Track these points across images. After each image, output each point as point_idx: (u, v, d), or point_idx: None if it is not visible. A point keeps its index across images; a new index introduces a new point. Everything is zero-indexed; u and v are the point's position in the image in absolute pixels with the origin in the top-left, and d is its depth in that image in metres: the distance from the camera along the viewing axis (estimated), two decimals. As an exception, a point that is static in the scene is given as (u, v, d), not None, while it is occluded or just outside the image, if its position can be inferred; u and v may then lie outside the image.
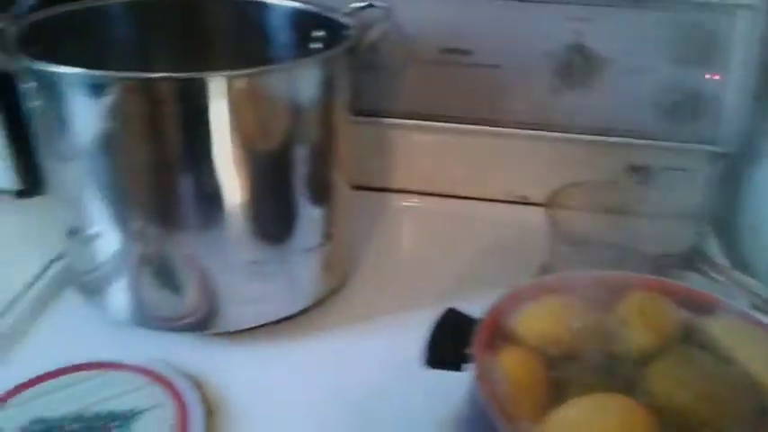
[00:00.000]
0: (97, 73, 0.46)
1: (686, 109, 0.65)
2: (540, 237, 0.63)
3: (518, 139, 0.71)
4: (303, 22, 0.60)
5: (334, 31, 0.58)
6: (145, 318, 0.56)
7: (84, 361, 0.53)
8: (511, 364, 0.41)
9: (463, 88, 0.69)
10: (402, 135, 0.73)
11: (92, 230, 0.53)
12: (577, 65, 0.65)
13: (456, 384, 0.43)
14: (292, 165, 0.52)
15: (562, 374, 0.41)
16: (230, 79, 0.47)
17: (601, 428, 0.37)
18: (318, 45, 0.61)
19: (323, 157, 0.55)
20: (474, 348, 0.41)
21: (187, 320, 0.55)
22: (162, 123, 0.48)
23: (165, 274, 0.53)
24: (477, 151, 0.73)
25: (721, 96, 0.65)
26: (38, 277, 0.62)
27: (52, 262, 0.64)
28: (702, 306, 0.46)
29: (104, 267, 0.55)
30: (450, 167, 0.75)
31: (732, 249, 0.68)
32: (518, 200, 0.75)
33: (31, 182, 0.72)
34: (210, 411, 0.49)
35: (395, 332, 0.57)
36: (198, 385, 0.51)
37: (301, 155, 0.52)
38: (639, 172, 0.72)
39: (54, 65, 0.46)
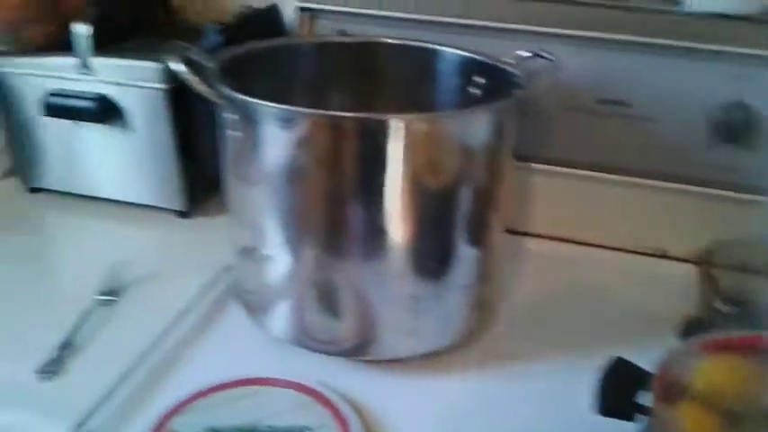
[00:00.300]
0: (290, 108, 0.51)
1: None
2: (681, 291, 0.63)
3: (664, 192, 0.71)
4: (467, 69, 0.63)
5: (495, 78, 0.61)
6: (303, 338, 0.59)
7: (248, 375, 0.56)
8: (690, 418, 0.42)
9: (616, 139, 0.70)
10: (548, 181, 0.74)
11: (264, 251, 0.57)
12: (736, 123, 0.65)
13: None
14: (457, 205, 0.54)
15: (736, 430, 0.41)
16: (409, 122, 0.50)
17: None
18: (477, 90, 0.64)
19: (486, 199, 0.57)
20: (652, 400, 0.42)
21: (344, 345, 0.58)
22: (341, 158, 0.51)
23: (328, 300, 0.56)
24: (623, 201, 0.74)
25: None
26: (203, 292, 0.67)
27: (215, 279, 0.68)
28: None
29: (271, 287, 0.59)
30: (596, 216, 0.75)
31: None
32: (658, 253, 0.75)
33: (192, 204, 0.79)
34: (369, 436, 0.52)
35: (543, 375, 0.59)
36: (357, 409, 0.54)
37: (466, 196, 0.55)
38: (791, 233, 0.70)
39: (252, 98, 0.51)
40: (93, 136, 0.76)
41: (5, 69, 0.76)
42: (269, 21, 0.78)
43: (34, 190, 0.83)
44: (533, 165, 0.74)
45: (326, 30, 0.75)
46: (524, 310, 0.67)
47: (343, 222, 0.53)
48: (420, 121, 0.51)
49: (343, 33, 0.72)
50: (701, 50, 0.66)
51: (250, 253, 0.59)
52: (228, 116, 0.54)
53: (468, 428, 0.53)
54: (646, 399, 0.44)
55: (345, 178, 0.52)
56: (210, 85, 0.53)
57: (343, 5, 0.73)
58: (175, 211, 0.79)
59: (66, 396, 0.55)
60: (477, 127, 0.53)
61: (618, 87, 0.69)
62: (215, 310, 0.65)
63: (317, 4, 0.74)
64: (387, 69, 0.66)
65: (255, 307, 0.61)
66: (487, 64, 0.62)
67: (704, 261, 0.61)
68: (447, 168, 0.53)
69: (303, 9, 0.75)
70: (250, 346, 0.61)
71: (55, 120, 0.76)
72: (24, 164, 0.81)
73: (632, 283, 0.72)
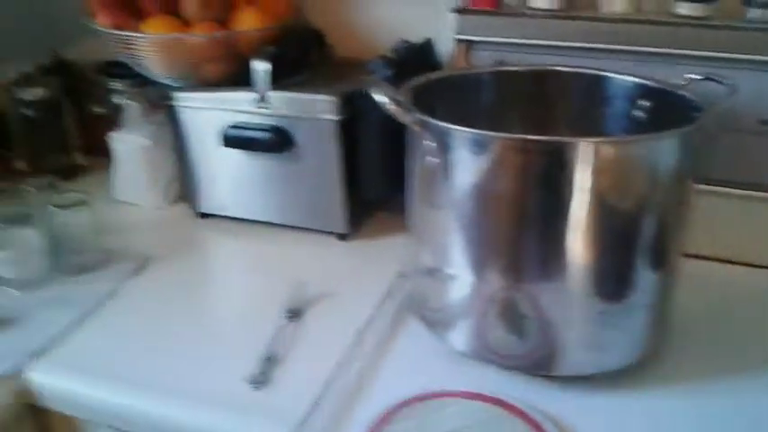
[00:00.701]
0: (488, 133, 0.55)
1: None
2: None
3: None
4: (633, 93, 0.67)
5: (661, 101, 0.64)
6: (487, 353, 0.62)
7: (435, 388, 0.60)
8: None
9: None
10: (707, 201, 0.74)
11: (450, 271, 0.61)
12: None
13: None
14: (641, 228, 0.57)
15: None
16: (598, 145, 0.54)
17: None
18: (642, 114, 0.67)
19: (669, 222, 0.59)
20: None
21: (527, 361, 0.61)
22: (530, 180, 0.55)
23: (512, 317, 0.60)
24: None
25: None
26: (380, 308, 0.72)
27: (388, 296, 0.73)
28: None
29: (455, 304, 0.63)
30: (750, 236, 0.76)
31: None
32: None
33: (351, 227, 0.84)
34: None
35: (728, 392, 0.61)
36: (549, 420, 0.57)
37: (651, 219, 0.57)
38: None
39: (449, 123, 0.55)
40: (262, 164, 0.82)
41: (183, 104, 0.83)
42: (425, 53, 0.83)
43: (203, 215, 0.90)
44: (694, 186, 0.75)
45: (482, 60, 0.79)
46: (698, 328, 0.68)
47: (529, 243, 0.57)
48: (609, 145, 0.55)
49: (499, 63, 0.77)
50: None
51: (434, 272, 0.63)
52: (424, 143, 0.58)
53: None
54: None
55: (532, 200, 0.56)
56: (409, 114, 0.58)
57: (501, 36, 0.78)
58: (336, 233, 0.85)
59: (277, 404, 0.60)
60: (663, 151, 0.55)
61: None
62: (394, 324, 0.70)
63: (474, 35, 0.79)
64: (558, 96, 0.70)
65: (437, 322, 0.65)
66: (657, 88, 0.65)
67: None
68: (633, 192, 0.56)
69: (460, 41, 0.79)
70: (434, 360, 0.65)
71: (226, 150, 0.82)
72: (194, 191, 0.89)
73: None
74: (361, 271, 0.80)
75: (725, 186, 0.75)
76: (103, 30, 0.81)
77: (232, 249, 0.87)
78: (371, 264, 0.80)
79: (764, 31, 0.70)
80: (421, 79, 0.66)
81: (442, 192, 0.59)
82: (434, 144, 0.57)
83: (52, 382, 0.65)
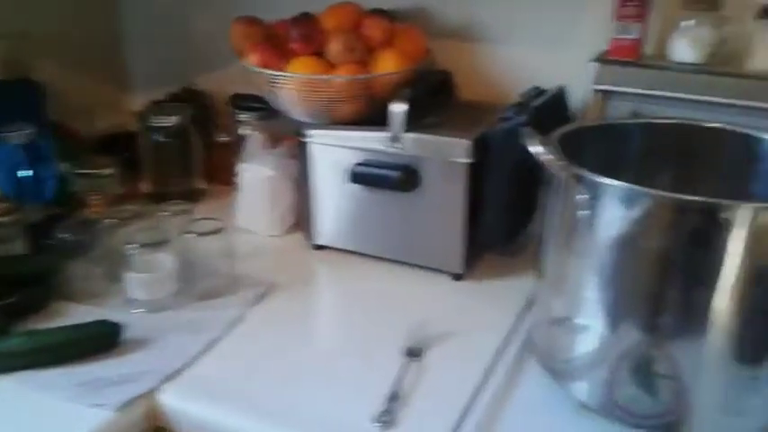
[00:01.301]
0: (639, 188, 0.54)
1: None
2: None
3: None
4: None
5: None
6: (614, 409, 0.60)
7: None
8: None
9: None
10: None
11: (582, 321, 0.61)
12: None
13: None
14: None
15: None
16: (757, 210, 0.52)
17: None
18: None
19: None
20: None
21: (654, 420, 0.59)
22: (679, 238, 0.54)
23: (644, 374, 0.58)
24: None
25: None
26: (500, 352, 0.71)
27: (508, 339, 0.73)
28: None
29: (585, 355, 0.61)
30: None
31: None
32: None
33: (467, 268, 0.84)
34: None
35: None
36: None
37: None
38: None
39: (602, 177, 0.55)
40: (384, 201, 0.84)
41: (316, 140, 0.86)
42: (558, 101, 0.83)
43: (317, 247, 0.92)
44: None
45: (618, 111, 0.78)
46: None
47: (671, 301, 0.56)
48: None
49: (635, 115, 0.76)
50: None
51: (564, 321, 0.62)
52: (573, 194, 0.58)
53: None
54: None
55: (679, 258, 0.55)
56: (563, 165, 0.58)
57: (640, 87, 0.77)
58: (452, 273, 0.85)
59: (404, 444, 0.60)
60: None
61: None
62: (515, 369, 0.69)
63: (613, 85, 0.79)
64: (706, 151, 0.69)
65: (563, 373, 0.64)
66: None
67: None
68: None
69: (598, 91, 0.79)
70: (557, 411, 0.64)
71: (349, 185, 0.84)
72: (312, 223, 0.91)
73: None
74: (477, 312, 0.79)
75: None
76: (254, 68, 0.84)
77: (348, 282, 0.88)
78: (487, 305, 0.80)
79: None
80: (567, 128, 0.66)
81: (584, 242, 0.59)
82: (585, 196, 0.57)
83: (184, 406, 0.67)
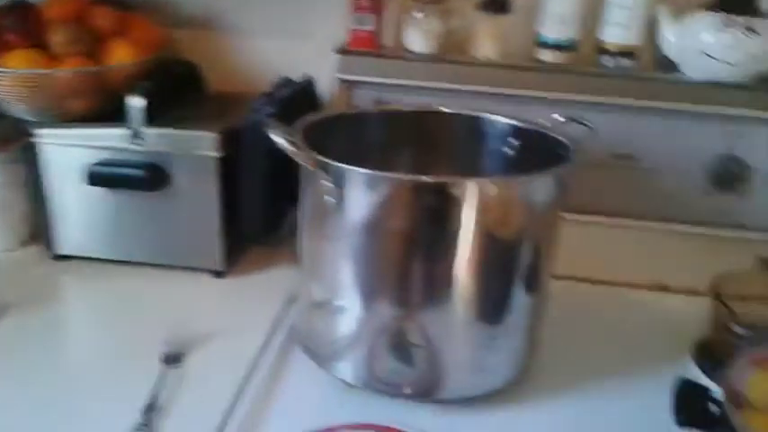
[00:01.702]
0: (379, 173, 0.57)
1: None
2: (686, 318, 0.74)
3: (669, 234, 0.82)
4: (505, 133, 0.72)
5: (529, 140, 0.70)
6: (376, 383, 0.63)
7: (327, 423, 0.60)
8: (758, 424, 0.49)
9: (627, 188, 0.80)
10: (567, 227, 0.82)
11: (339, 303, 0.62)
12: (730, 172, 0.76)
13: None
14: (519, 257, 0.61)
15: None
16: (483, 184, 0.57)
17: None
18: (510, 151, 0.72)
19: (543, 250, 0.64)
20: (728, 409, 0.50)
21: (415, 388, 0.62)
22: (419, 216, 0.58)
23: (400, 346, 0.61)
24: (632, 244, 0.83)
25: None
26: (264, 347, 0.70)
27: (272, 333, 0.72)
28: None
29: (345, 336, 0.63)
30: (608, 258, 0.84)
31: None
32: (660, 287, 0.85)
33: (228, 264, 0.82)
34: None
35: (596, 397, 0.66)
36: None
37: (527, 249, 0.61)
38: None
39: (344, 164, 0.57)
40: (130, 202, 0.78)
41: (46, 140, 0.77)
42: (306, 92, 0.84)
43: (59, 257, 0.83)
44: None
45: (362, 100, 0.81)
46: (564, 344, 0.73)
47: (417, 275, 0.59)
48: (493, 184, 0.58)
49: (378, 103, 0.79)
50: (699, 112, 0.78)
51: (323, 305, 0.64)
52: (321, 182, 0.58)
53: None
54: (715, 410, 0.51)
55: (421, 235, 0.58)
56: (306, 154, 0.58)
57: (381, 77, 0.80)
58: (212, 271, 0.82)
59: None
60: (540, 187, 0.60)
61: (629, 144, 0.79)
62: (280, 361, 0.69)
63: (355, 75, 0.81)
64: (440, 134, 0.73)
65: (326, 355, 0.65)
66: (525, 128, 0.70)
67: (715, 290, 0.71)
68: (512, 224, 0.60)
69: (342, 80, 0.81)
70: (324, 394, 0.65)
71: (90, 188, 0.77)
72: (51, 232, 0.82)
73: (645, 314, 0.81)
74: (240, 308, 0.78)
75: (585, 214, 0.82)
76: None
77: (98, 292, 0.81)
78: (251, 300, 0.79)
79: (615, 77, 0.79)
80: (311, 118, 0.66)
81: (334, 227, 0.60)
82: (331, 183, 0.58)
83: None
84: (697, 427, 0.52)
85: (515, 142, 0.72)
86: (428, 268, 0.59)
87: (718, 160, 0.77)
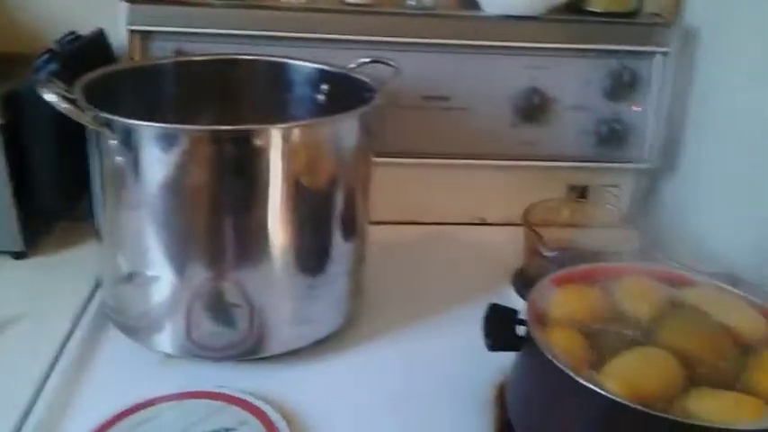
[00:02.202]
0: (173, 126, 0.53)
1: (617, 136, 0.81)
2: (505, 249, 0.77)
3: (482, 169, 0.84)
4: (314, 78, 0.70)
5: (339, 84, 0.68)
6: (197, 349, 0.61)
7: (146, 396, 0.57)
8: (558, 338, 0.52)
9: (439, 129, 0.81)
10: (385, 172, 0.83)
11: (149, 273, 0.58)
12: (533, 105, 0.79)
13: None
14: (333, 203, 0.60)
15: (598, 341, 0.53)
16: (287, 130, 0.56)
17: (649, 367, 0.49)
18: (323, 97, 0.71)
19: (356, 195, 0.63)
20: (532, 328, 0.52)
21: (239, 348, 0.61)
22: (223, 170, 0.55)
23: (219, 308, 0.59)
24: (447, 182, 0.86)
25: (644, 123, 0.82)
26: (72, 327, 0.65)
27: (80, 312, 0.67)
28: (676, 281, 0.60)
29: (159, 306, 0.60)
30: (425, 198, 0.86)
31: (660, 244, 0.85)
32: (479, 221, 0.88)
33: (28, 244, 0.75)
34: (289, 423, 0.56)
35: (424, 335, 0.68)
36: (268, 402, 0.57)
37: (340, 195, 0.61)
38: (579, 190, 0.87)
39: (130, 119, 0.52)
40: None
41: None
42: (97, 46, 0.76)
43: None
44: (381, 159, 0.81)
45: (161, 51, 0.75)
46: (389, 287, 0.74)
47: (229, 232, 0.57)
48: (297, 129, 0.57)
49: (178, 53, 0.74)
50: (500, 47, 0.80)
51: (133, 276, 0.60)
52: (108, 142, 0.54)
53: (372, 395, 0.60)
54: (522, 330, 0.54)
55: (226, 190, 0.56)
56: (86, 112, 0.53)
57: (179, 26, 0.75)
58: (11, 252, 0.75)
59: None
60: (345, 130, 0.59)
61: (438, 84, 0.80)
62: (92, 341, 0.64)
63: (150, 26, 0.75)
64: (244, 84, 0.70)
65: (141, 328, 0.62)
66: (333, 72, 0.69)
67: (526, 219, 0.74)
68: (322, 171, 0.59)
69: (134, 31, 0.75)
70: (142, 368, 0.61)
71: None
72: None
73: (466, 249, 0.84)
74: (46, 290, 0.71)
75: (401, 157, 0.82)
76: None
77: None
78: (57, 281, 0.72)
79: (421, 17, 0.79)
80: (95, 74, 0.61)
81: (132, 192, 0.56)
82: (119, 142, 0.53)
83: None
84: (506, 348, 0.54)
85: (326, 88, 0.71)
86: (238, 224, 0.57)
87: (522, 94, 0.80)
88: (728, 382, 0.50)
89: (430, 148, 0.82)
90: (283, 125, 0.56)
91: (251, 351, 0.61)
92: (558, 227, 0.81)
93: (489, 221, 0.88)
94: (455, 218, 0.88)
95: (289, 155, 0.56)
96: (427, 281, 0.77)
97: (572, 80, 0.80)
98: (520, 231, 0.75)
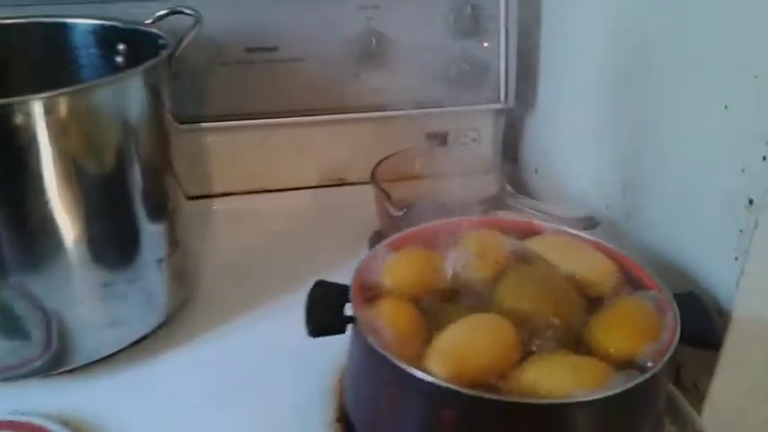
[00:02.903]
0: None
1: (468, 76, 0.74)
2: (366, 210, 0.69)
3: (329, 125, 0.76)
4: (107, 38, 0.60)
5: (138, 42, 0.58)
6: (-8, 374, 0.52)
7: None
8: (387, 312, 0.46)
9: (272, 84, 0.72)
10: (217, 138, 0.74)
11: None
12: (371, 49, 0.71)
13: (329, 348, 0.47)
14: (126, 180, 0.52)
15: (433, 310, 0.47)
16: (49, 100, 0.46)
17: (479, 338, 0.43)
18: (121, 58, 0.61)
19: (156, 167, 0.54)
20: (353, 306, 0.45)
21: (39, 363, 0.52)
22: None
23: (7, 323, 0.50)
24: (293, 143, 0.77)
25: (495, 62, 0.75)
26: None
27: None
28: (524, 231, 0.55)
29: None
30: (270, 163, 0.77)
31: (520, 192, 0.80)
32: (337, 182, 0.81)
33: None
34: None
35: (257, 324, 0.60)
36: (66, 424, 0.49)
37: (134, 169, 0.52)
38: (438, 138, 0.80)
39: None
40: None
41: None
42: None
43: None
44: (202, 125, 0.72)
45: None
46: (227, 270, 0.67)
47: (2, 234, 0.47)
48: (63, 99, 0.47)
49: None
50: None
51: None
52: None
53: (201, 399, 0.52)
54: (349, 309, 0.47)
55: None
56: None
57: None
58: None
59: None
60: (127, 94, 0.50)
61: (262, 33, 0.70)
62: None
63: None
64: (17, 53, 0.59)
65: None
66: (125, 29, 0.59)
67: (374, 175, 0.67)
68: (105, 145, 0.50)
69: None
70: None
71: None
72: None
73: (323, 214, 0.77)
74: None
75: (229, 120, 0.73)
76: None
77: None
78: None
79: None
80: None
81: None
82: None
83: None
84: (330, 332, 0.47)
85: (123, 48, 0.61)
86: (11, 220, 0.47)
87: (359, 37, 0.72)
88: (573, 343, 0.45)
89: (265, 106, 0.73)
90: (45, 95, 0.46)
91: (53, 364, 0.53)
92: (416, 180, 0.74)
93: (349, 181, 0.81)
94: (310, 181, 0.80)
95: (59, 130, 0.46)
96: (276, 255, 0.69)
97: (411, 18, 0.72)
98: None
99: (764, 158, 0.45)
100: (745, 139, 0.47)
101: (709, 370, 0.52)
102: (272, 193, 0.79)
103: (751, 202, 0.47)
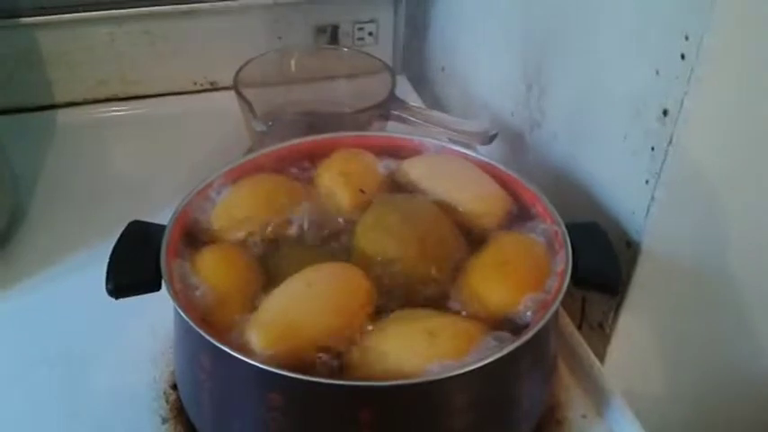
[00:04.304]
0: None
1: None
2: (241, 121, 0.57)
3: (197, 17, 0.63)
4: None
5: None
6: None
7: None
8: (208, 264, 0.36)
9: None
10: (54, 37, 0.60)
11: None
12: None
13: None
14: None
15: (273, 258, 0.37)
16: None
17: (316, 299, 0.33)
18: None
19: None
20: (163, 256, 0.35)
21: None
22: None
23: None
24: (152, 40, 0.64)
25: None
26: None
27: None
28: (403, 151, 0.45)
29: None
30: (132, 64, 0.65)
31: (425, 93, 0.69)
32: (208, 87, 0.68)
33: None
34: None
35: (91, 267, 0.45)
36: None
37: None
38: (327, 32, 0.68)
39: None
40: None
41: None
42: None
43: None
44: (29, 19, 0.59)
45: None
46: (64, 194, 0.56)
47: None
48: None
49: None
50: None
51: None
52: None
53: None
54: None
55: None
56: None
57: None
58: None
59: None
60: None
61: None
62: None
63: None
64: None
65: None
66: None
67: (236, 82, 0.55)
68: None
69: None
70: None
71: None
72: None
73: (189, 127, 0.64)
74: None
75: (63, 13, 0.59)
76: None
77: None
78: None
79: None
80: None
81: None
82: None
83: None
84: (139, 290, 0.37)
85: None
86: None
87: None
88: (443, 296, 0.36)
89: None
90: None
91: None
92: (290, 86, 0.62)
93: (222, 85, 0.68)
94: (174, 86, 0.67)
95: None
96: (126, 180, 0.58)
97: None
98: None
99: (683, 57, 0.36)
100: (660, 32, 0.37)
101: (616, 307, 0.45)
102: (131, 100, 0.66)
103: (665, 112, 0.38)
